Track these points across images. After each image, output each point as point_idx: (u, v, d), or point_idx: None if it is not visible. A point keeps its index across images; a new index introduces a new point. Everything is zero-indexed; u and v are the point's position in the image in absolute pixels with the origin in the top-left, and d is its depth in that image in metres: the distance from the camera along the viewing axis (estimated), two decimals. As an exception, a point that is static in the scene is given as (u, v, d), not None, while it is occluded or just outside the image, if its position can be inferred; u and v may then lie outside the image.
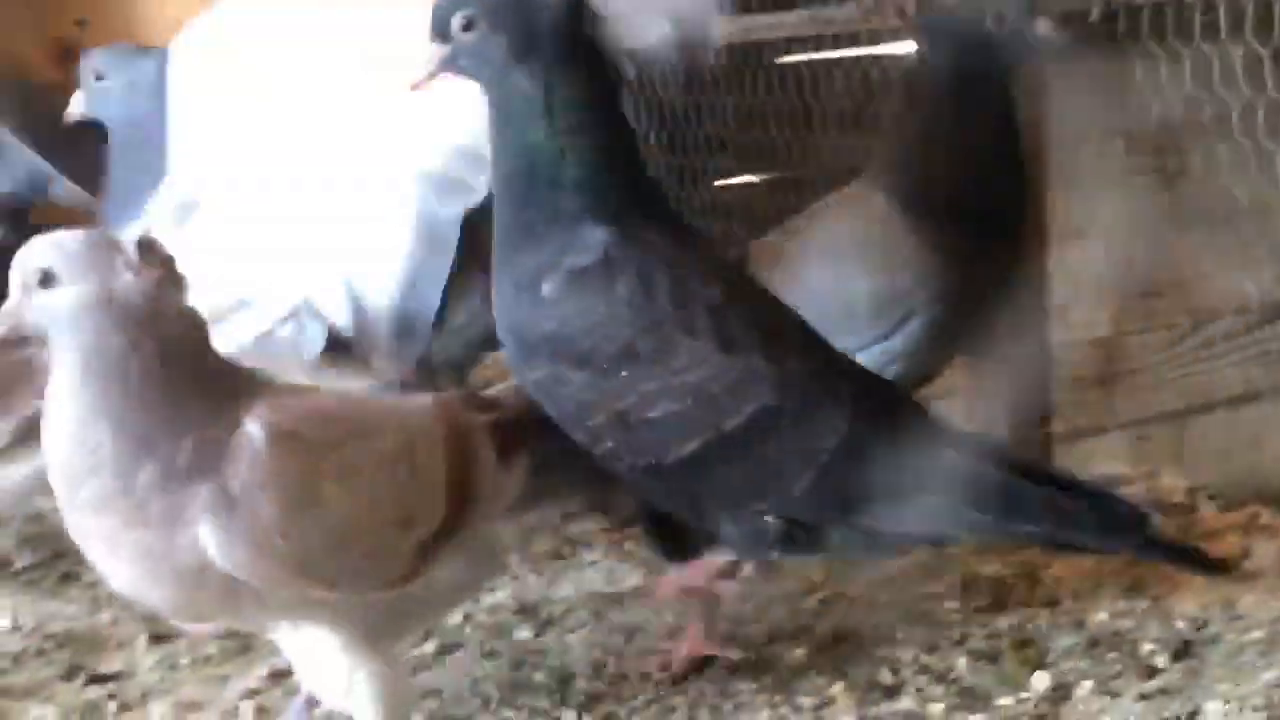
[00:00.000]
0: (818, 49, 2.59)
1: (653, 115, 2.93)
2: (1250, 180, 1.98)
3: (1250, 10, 1.95)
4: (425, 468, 1.34)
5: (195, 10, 2.95)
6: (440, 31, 1.43)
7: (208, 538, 1.23)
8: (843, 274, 1.85)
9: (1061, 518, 1.42)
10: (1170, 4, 2.08)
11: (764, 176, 2.80)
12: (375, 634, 1.34)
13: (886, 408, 1.47)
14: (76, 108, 2.19)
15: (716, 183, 2.92)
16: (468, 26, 1.41)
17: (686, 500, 1.44)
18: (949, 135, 1.79)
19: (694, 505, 1.45)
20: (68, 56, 2.91)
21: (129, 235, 1.96)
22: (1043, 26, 1.78)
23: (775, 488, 1.42)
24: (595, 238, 1.40)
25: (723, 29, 2.83)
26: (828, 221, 1.92)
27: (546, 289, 1.40)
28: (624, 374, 1.38)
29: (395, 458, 1.33)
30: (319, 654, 1.33)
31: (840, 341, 1.77)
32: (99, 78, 2.15)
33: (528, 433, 1.43)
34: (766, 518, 1.44)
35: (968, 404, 2.12)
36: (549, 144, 1.41)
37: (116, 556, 1.26)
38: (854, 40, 2.49)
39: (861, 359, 1.83)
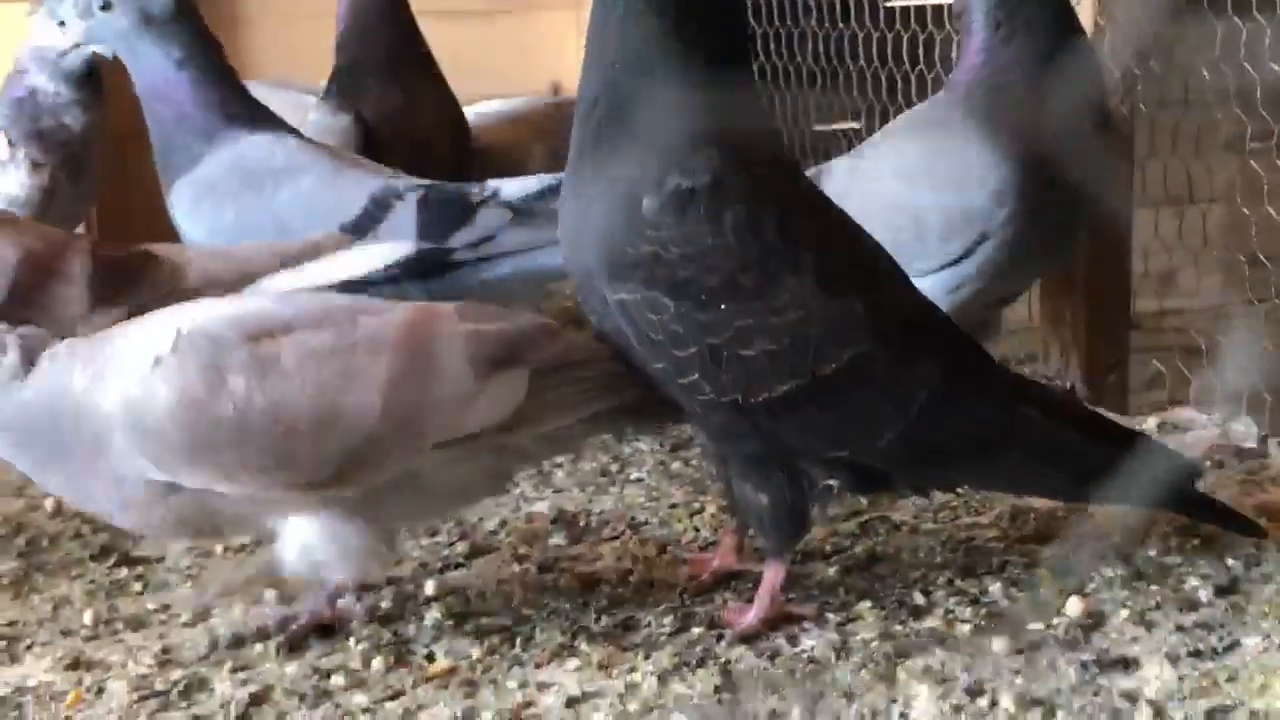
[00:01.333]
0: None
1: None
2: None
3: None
4: (361, 371, 1.32)
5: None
6: None
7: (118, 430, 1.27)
8: (917, 192, 1.80)
9: (1120, 480, 1.40)
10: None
11: (862, 123, 2.75)
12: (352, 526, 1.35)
13: (972, 363, 1.42)
14: (70, 38, 2.10)
15: (816, 127, 2.87)
16: None
17: (759, 442, 1.38)
18: (1020, 49, 1.73)
19: (766, 448, 1.38)
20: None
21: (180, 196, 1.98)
22: None
23: (861, 437, 1.37)
24: (705, 157, 1.32)
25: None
26: (900, 138, 1.87)
27: (647, 207, 1.32)
28: (723, 307, 1.32)
29: (321, 359, 1.31)
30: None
31: (911, 263, 1.74)
32: (105, 6, 2.04)
33: (525, 348, 1.38)
34: (830, 481, 1.40)
35: (1044, 336, 2.06)
36: (659, 42, 1.31)
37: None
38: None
39: (934, 280, 1.79)
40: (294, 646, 1.40)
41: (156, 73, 2.01)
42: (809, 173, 1.90)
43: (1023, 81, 1.74)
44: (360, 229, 1.88)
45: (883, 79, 2.58)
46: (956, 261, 1.80)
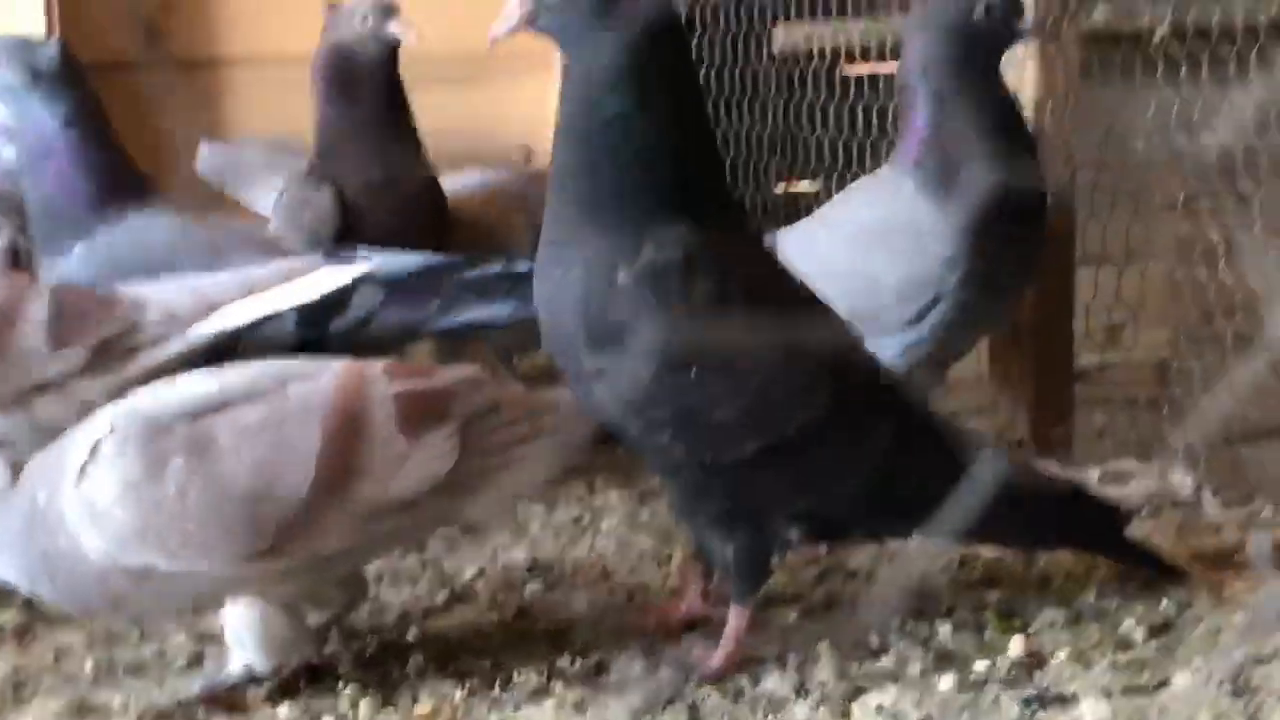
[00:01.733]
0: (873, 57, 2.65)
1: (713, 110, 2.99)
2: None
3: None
4: (295, 443, 1.36)
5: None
6: None
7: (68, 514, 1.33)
8: (872, 259, 1.90)
9: (1065, 529, 1.55)
10: (1232, 29, 2.13)
11: (820, 185, 2.86)
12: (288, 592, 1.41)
13: (924, 421, 1.52)
14: None
15: (776, 188, 2.98)
16: None
17: (726, 498, 1.47)
18: (961, 121, 1.84)
19: (733, 503, 1.47)
20: (152, 37, 3.04)
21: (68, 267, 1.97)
22: (1027, 22, 1.87)
23: (821, 492, 1.47)
24: (677, 232, 1.39)
25: (783, 34, 2.92)
26: (854, 208, 1.97)
27: (624, 278, 1.39)
28: (695, 373, 1.40)
29: (257, 432, 1.35)
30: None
31: (869, 325, 1.85)
32: None
33: (453, 406, 1.42)
34: (791, 533, 1.49)
35: (993, 391, 2.17)
36: (632, 118, 1.38)
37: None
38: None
39: (890, 342, 1.90)
40: (286, 691, 1.48)
41: (42, 132, 1.99)
42: (768, 239, 2.00)
43: (967, 153, 1.85)
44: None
45: (840, 146, 2.69)
46: (911, 324, 1.90)
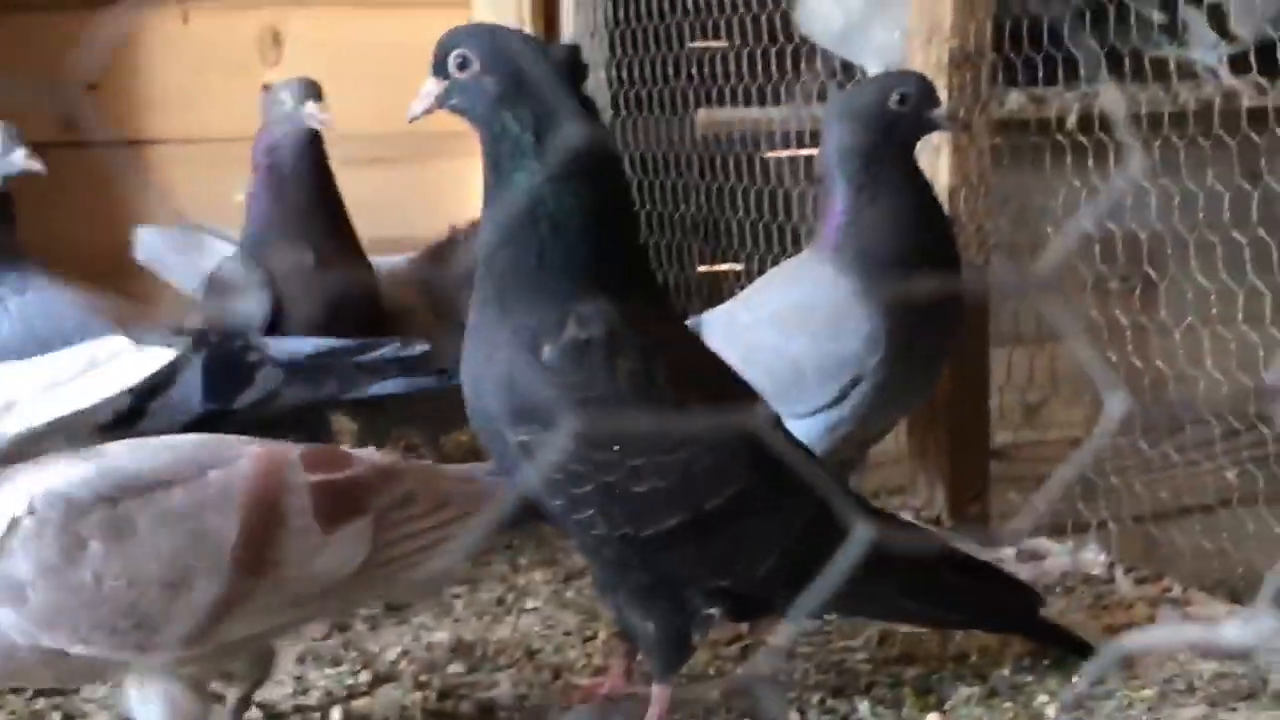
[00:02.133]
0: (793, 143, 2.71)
1: (635, 193, 3.04)
2: (1220, 289, 2.09)
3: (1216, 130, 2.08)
4: (212, 531, 1.36)
5: (205, 74, 3.09)
6: (438, 67, 1.45)
7: None
8: (794, 340, 1.94)
9: (979, 609, 1.58)
10: (1139, 118, 2.21)
11: (741, 266, 2.91)
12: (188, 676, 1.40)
13: (841, 499, 1.55)
14: None
15: (699, 269, 3.02)
16: (462, 65, 1.43)
17: (647, 573, 1.49)
18: (879, 207, 1.89)
19: (654, 578, 1.49)
20: (77, 119, 3.05)
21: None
22: (941, 110, 1.90)
23: (741, 567, 1.49)
24: (598, 308, 1.42)
25: (704, 120, 2.98)
26: (777, 290, 2.01)
27: (548, 355, 1.41)
28: (616, 448, 1.42)
29: (177, 519, 1.35)
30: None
31: (789, 406, 1.89)
32: None
33: (368, 498, 1.42)
34: (712, 610, 1.51)
35: (911, 469, 2.21)
36: (544, 189, 1.41)
37: None
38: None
39: (811, 422, 1.94)
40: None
41: None
42: (691, 321, 2.04)
43: (886, 238, 1.90)
44: (151, 393, 1.95)
45: (760, 228, 2.75)
46: (832, 404, 1.94)
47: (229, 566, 1.35)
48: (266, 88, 2.34)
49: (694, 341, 1.59)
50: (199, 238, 2.46)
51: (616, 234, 1.46)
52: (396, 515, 1.44)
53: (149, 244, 2.53)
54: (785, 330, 1.96)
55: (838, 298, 1.92)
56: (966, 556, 1.63)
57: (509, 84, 1.42)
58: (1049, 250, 2.14)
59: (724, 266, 2.98)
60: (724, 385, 1.54)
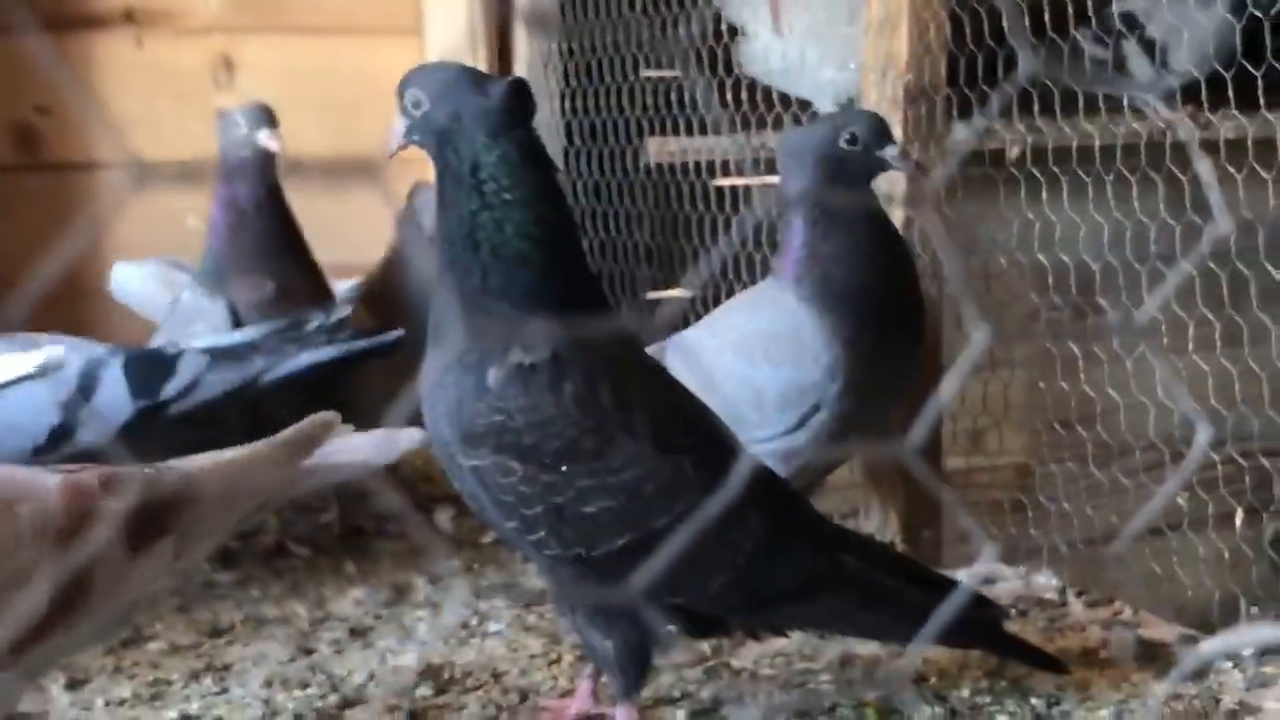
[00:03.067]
0: (742, 172, 2.75)
1: (585, 220, 3.08)
2: (1171, 319, 2.15)
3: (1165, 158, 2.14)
4: (27, 565, 1.34)
5: (158, 99, 3.10)
6: (402, 107, 1.52)
7: None
8: (754, 367, 1.98)
9: (941, 626, 1.56)
10: (1090, 149, 2.26)
11: (693, 292, 2.94)
12: None
13: (796, 515, 1.59)
14: None
15: (649, 294, 3.06)
16: (416, 104, 1.50)
17: (602, 593, 1.52)
18: (837, 239, 1.94)
19: (609, 598, 1.52)
20: (27, 141, 3.05)
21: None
22: (894, 149, 1.95)
23: (694, 584, 1.52)
24: (543, 333, 1.46)
25: (656, 148, 3.02)
26: (740, 317, 2.05)
27: (493, 380, 1.46)
28: (564, 469, 1.46)
29: None
30: None
31: (749, 432, 1.92)
32: None
33: (173, 514, 1.43)
34: (669, 628, 1.54)
35: (864, 494, 2.25)
36: (482, 217, 1.47)
37: None
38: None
39: (772, 447, 1.97)
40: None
41: None
42: (654, 346, 2.07)
43: (844, 270, 1.94)
44: (75, 405, 1.98)
45: (712, 255, 2.78)
46: (792, 430, 1.97)
47: (45, 600, 1.34)
48: (221, 113, 2.36)
49: (645, 362, 1.63)
50: (173, 274, 2.48)
51: (558, 258, 1.50)
52: (198, 529, 1.45)
53: (123, 280, 2.55)
54: (747, 356, 1.99)
55: (799, 326, 1.96)
56: (926, 570, 1.67)
57: (450, 119, 1.49)
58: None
59: (672, 293, 3.01)
60: (674, 405, 1.57)
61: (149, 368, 2.02)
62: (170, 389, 2.00)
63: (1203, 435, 0.94)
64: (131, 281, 2.54)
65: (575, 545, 1.48)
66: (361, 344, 2.10)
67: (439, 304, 1.52)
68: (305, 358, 2.05)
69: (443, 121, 1.49)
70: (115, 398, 1.99)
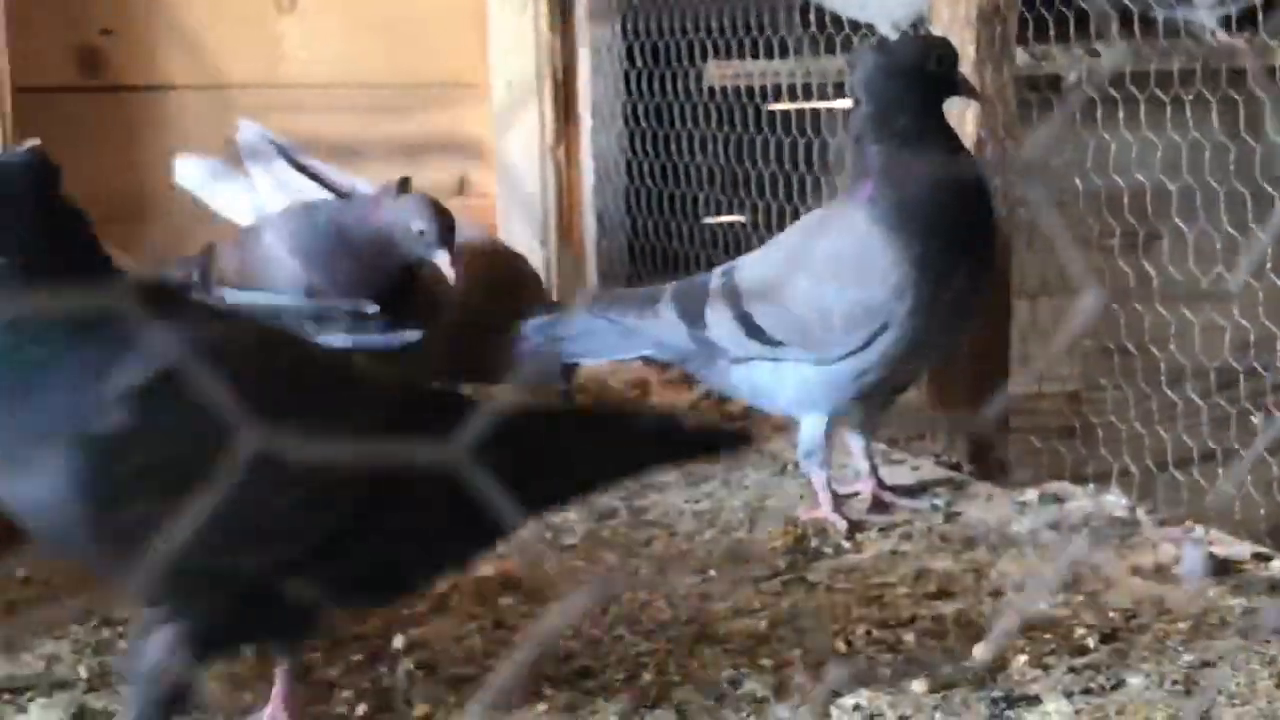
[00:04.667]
0: (805, 96, 2.76)
1: (646, 143, 3.09)
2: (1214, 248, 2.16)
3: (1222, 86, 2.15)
4: None
5: (220, 23, 3.12)
6: None
7: None
8: (823, 286, 2.00)
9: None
10: (1147, 74, 2.27)
11: (747, 217, 2.96)
12: None
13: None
14: None
15: (706, 220, 3.08)
16: None
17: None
18: (914, 160, 1.95)
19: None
20: (93, 64, 3.07)
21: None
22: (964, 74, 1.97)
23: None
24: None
25: (718, 71, 3.03)
26: (810, 236, 2.07)
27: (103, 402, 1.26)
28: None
29: None
30: None
31: (819, 351, 1.95)
32: None
33: None
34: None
35: (930, 416, 2.27)
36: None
37: None
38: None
39: (840, 367, 2.00)
40: (281, 697, 1.53)
41: None
42: (722, 269, 2.10)
43: (918, 191, 1.95)
44: None
45: (766, 178, 2.80)
46: (859, 351, 1.99)
47: None
48: (403, 184, 2.29)
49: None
50: (239, 169, 2.53)
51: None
52: None
53: (189, 170, 2.59)
54: (815, 277, 2.01)
55: (868, 246, 1.98)
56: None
57: None
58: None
59: (728, 219, 3.03)
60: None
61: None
62: None
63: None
64: (199, 174, 2.59)
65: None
66: (374, 339, 2.13)
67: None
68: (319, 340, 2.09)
69: None
70: None
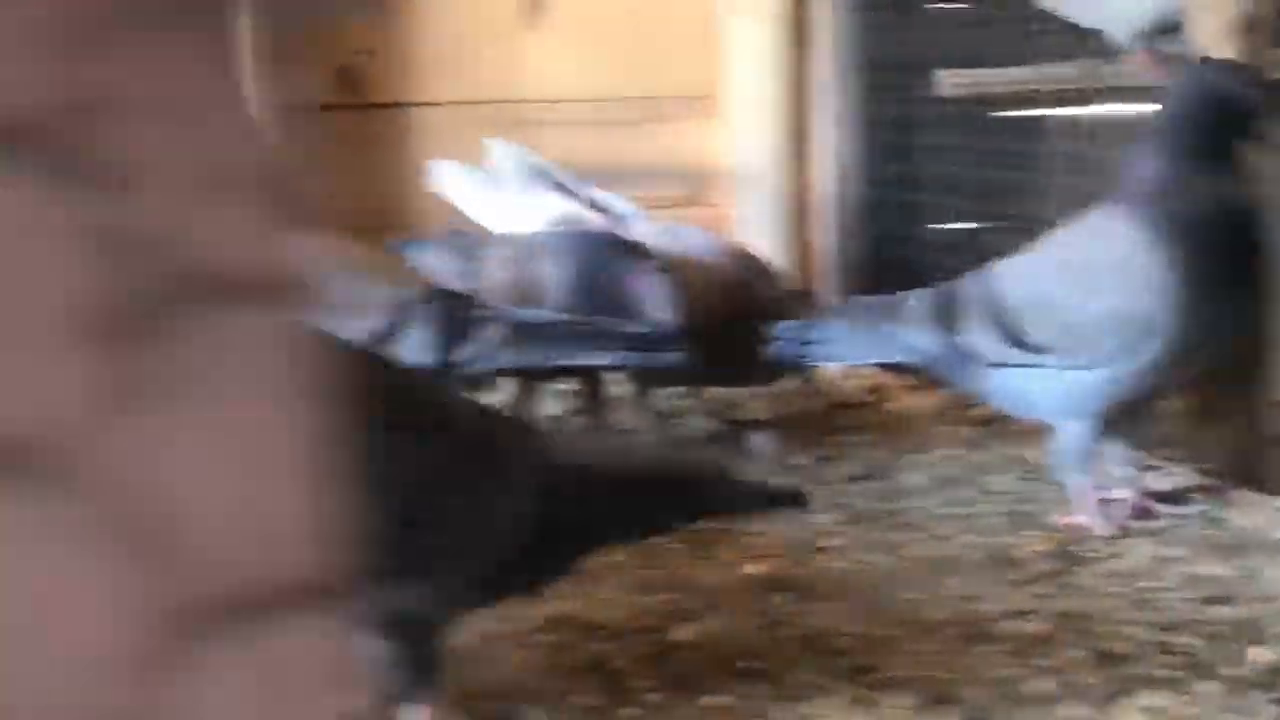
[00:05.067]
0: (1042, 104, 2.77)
1: (884, 152, 3.13)
2: None
3: None
4: None
5: (474, 43, 3.23)
6: None
7: None
8: (1089, 293, 2.01)
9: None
10: None
11: (982, 224, 2.98)
12: None
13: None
14: None
15: (943, 226, 3.10)
16: None
17: None
18: (1187, 177, 1.96)
19: None
20: (349, 82, 3.21)
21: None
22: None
23: None
24: None
25: (948, 81, 3.06)
26: (1075, 243, 2.09)
27: None
28: None
29: None
30: None
31: (1075, 358, 1.97)
32: None
33: None
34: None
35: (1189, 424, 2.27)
36: None
37: None
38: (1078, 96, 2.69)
39: (1100, 375, 2.01)
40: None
41: None
42: (978, 273, 2.12)
43: (1189, 206, 1.97)
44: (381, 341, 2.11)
45: (1007, 186, 2.82)
46: (1124, 358, 2.00)
47: None
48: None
49: None
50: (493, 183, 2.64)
51: None
52: None
53: (446, 177, 2.72)
54: (1081, 285, 2.03)
55: (1129, 256, 1.99)
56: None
57: None
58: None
59: (966, 225, 3.05)
60: None
61: (450, 327, 2.15)
62: (458, 356, 2.13)
63: None
64: (452, 178, 2.72)
65: None
66: (634, 358, 2.21)
67: None
68: (588, 362, 2.20)
69: None
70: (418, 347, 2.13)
